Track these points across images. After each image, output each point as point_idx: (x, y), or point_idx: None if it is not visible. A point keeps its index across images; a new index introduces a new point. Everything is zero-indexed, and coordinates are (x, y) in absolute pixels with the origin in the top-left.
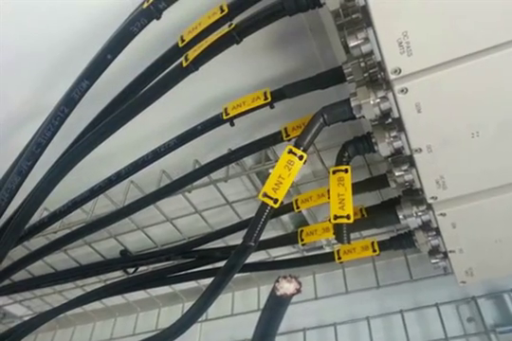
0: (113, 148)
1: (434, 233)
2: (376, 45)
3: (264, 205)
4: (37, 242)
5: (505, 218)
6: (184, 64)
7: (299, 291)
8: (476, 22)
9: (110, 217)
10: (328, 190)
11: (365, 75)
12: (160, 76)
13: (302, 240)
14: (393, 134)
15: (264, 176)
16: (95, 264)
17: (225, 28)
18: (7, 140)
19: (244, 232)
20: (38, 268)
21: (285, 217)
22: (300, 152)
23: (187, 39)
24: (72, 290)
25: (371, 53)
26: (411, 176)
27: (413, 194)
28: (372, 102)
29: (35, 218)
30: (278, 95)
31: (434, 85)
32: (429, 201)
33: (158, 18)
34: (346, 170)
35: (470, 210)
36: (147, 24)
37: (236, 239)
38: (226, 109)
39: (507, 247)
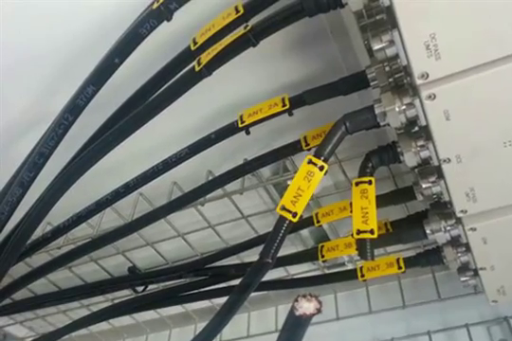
0: (120, 158)
1: (464, 249)
2: (402, 49)
3: (282, 218)
4: (40, 259)
5: None
6: (197, 69)
7: (319, 311)
8: (509, 23)
9: (117, 232)
10: (350, 203)
11: (390, 80)
12: (171, 81)
13: (323, 256)
14: (420, 143)
15: (282, 188)
16: (101, 282)
17: (240, 30)
18: (7, 150)
19: (260, 248)
20: (41, 286)
21: (305, 232)
22: (320, 163)
23: (200, 42)
24: (77, 309)
25: (396, 57)
26: (439, 188)
27: (442, 207)
28: (397, 109)
29: (37, 233)
30: (297, 101)
31: (464, 91)
32: (459, 215)
33: (169, 19)
34: (370, 182)
35: (502, 225)
36: (157, 25)
37: (252, 255)
38: (241, 116)
39: None
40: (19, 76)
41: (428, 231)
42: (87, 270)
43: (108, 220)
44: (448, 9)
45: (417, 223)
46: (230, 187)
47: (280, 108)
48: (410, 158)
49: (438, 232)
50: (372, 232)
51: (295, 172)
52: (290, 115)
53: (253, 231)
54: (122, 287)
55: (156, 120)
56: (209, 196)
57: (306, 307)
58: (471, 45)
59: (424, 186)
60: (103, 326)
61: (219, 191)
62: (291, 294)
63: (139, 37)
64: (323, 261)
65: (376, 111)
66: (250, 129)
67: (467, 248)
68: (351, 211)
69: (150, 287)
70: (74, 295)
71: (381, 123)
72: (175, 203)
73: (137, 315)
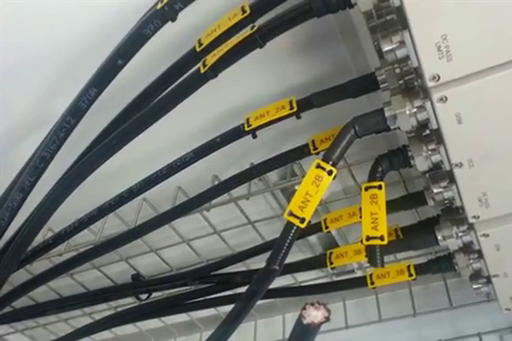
0: (124, 162)
1: (476, 256)
2: (413, 50)
3: (289, 224)
4: (40, 266)
5: None
6: (202, 71)
7: (327, 319)
8: None
9: (121, 238)
10: (360, 209)
11: (400, 82)
12: (176, 83)
13: (332, 263)
14: (432, 147)
15: (289, 193)
16: (104, 290)
17: (247, 31)
18: (7, 154)
19: (267, 255)
20: (41, 294)
21: (313, 238)
22: (329, 167)
23: (205, 43)
24: (79, 318)
25: (407, 58)
26: (450, 193)
27: (453, 213)
28: (408, 112)
29: (38, 239)
30: (305, 104)
31: (476, 93)
32: (471, 220)
33: (174, 20)
34: (380, 187)
35: None
36: (161, 26)
37: (259, 262)
38: (248, 119)
39: None
40: (19, 77)
41: (439, 237)
42: (89, 277)
43: (111, 226)
44: (459, 10)
45: (428, 229)
46: (236, 192)
47: (287, 111)
48: (421, 162)
49: (450, 238)
50: (382, 238)
51: (303, 177)
52: (298, 118)
53: (260, 237)
54: (126, 295)
55: (161, 123)
56: (214, 201)
57: (314, 315)
58: (484, 47)
59: (435, 191)
60: (106, 335)
61: (225, 196)
62: (299, 301)
63: (143, 38)
64: (332, 268)
65: (386, 114)
66: (257, 132)
67: (480, 255)
68: (360, 217)
69: (154, 295)
70: (76, 302)
71: (391, 126)
72: (180, 208)
73: (140, 324)
